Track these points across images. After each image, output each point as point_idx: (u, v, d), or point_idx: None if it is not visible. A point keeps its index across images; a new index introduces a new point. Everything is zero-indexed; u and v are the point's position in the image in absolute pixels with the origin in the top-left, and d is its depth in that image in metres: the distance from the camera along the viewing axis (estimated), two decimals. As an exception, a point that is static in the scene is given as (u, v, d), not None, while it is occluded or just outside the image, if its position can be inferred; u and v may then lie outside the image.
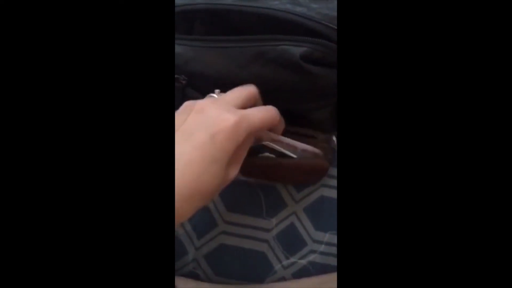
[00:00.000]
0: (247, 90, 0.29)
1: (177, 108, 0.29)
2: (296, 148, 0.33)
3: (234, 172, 0.28)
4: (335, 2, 0.29)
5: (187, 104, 0.28)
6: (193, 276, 0.38)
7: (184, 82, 0.32)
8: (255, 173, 0.36)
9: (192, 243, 0.38)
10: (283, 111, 0.31)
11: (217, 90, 0.30)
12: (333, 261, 0.38)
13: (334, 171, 0.38)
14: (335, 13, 0.29)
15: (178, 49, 0.31)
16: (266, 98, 0.31)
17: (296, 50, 0.28)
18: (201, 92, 0.33)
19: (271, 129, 0.31)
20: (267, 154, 0.33)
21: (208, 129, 0.25)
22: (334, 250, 0.38)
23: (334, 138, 0.36)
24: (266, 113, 0.29)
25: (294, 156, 0.33)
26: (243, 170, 0.33)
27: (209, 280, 0.38)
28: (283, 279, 0.38)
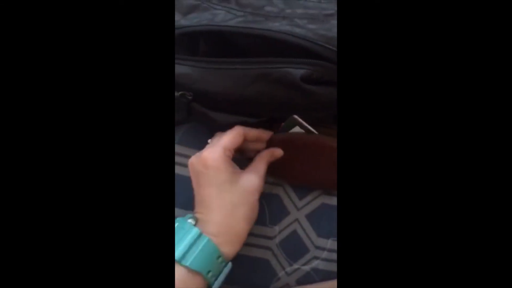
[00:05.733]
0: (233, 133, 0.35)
1: (181, 119, 0.33)
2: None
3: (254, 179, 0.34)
4: (332, 23, 0.31)
5: None
6: (200, 283, 0.39)
7: (190, 97, 0.33)
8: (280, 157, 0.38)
9: (198, 251, 0.39)
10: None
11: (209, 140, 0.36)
12: (336, 268, 0.38)
13: (334, 180, 0.39)
14: (331, 34, 0.30)
15: (184, 69, 0.32)
16: (268, 111, 0.34)
17: (297, 72, 0.30)
18: (207, 107, 0.34)
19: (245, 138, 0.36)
20: (297, 128, 0.36)
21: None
22: (336, 256, 0.38)
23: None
24: (233, 134, 0.34)
25: (316, 132, 0.36)
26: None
27: None
28: (287, 286, 0.38)
